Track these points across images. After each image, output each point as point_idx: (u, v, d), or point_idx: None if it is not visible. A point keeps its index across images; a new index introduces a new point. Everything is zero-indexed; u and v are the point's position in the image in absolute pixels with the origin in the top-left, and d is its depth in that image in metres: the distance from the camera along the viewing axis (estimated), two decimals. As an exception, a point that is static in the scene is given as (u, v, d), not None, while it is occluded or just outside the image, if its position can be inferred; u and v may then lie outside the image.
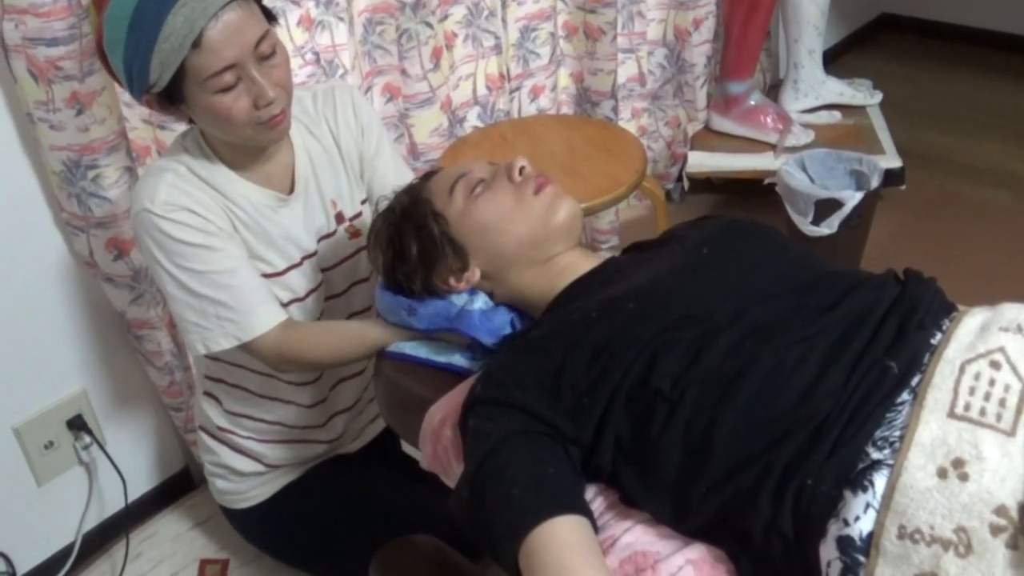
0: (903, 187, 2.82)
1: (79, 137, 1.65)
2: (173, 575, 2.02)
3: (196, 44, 1.29)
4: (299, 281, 1.62)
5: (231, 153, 1.50)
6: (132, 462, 2.08)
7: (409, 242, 1.35)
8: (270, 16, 1.40)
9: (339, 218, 1.65)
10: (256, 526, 1.93)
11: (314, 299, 1.66)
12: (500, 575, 1.10)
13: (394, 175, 1.65)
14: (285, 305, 1.60)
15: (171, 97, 1.36)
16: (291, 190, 1.58)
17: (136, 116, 1.79)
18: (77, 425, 1.95)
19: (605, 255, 1.37)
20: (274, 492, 1.88)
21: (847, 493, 0.92)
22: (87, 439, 1.97)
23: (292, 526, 1.88)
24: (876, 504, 0.90)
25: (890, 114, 3.11)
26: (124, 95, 1.73)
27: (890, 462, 0.92)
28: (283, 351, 1.52)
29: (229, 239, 1.49)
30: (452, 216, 1.33)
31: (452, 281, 1.35)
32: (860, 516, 0.90)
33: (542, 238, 1.30)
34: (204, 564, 2.04)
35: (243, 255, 1.51)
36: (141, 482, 2.14)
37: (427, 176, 1.45)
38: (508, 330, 1.34)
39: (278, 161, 1.56)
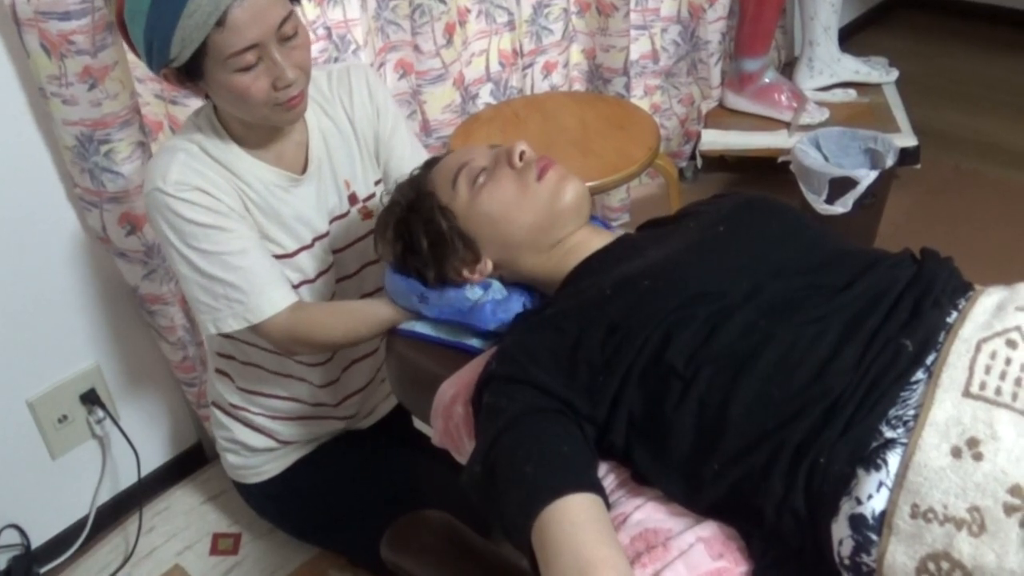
0: (918, 166, 2.80)
1: (92, 112, 1.64)
2: (186, 548, 2.04)
3: (220, 22, 1.28)
4: (310, 262, 1.62)
5: (244, 131, 1.50)
6: (145, 436, 2.09)
7: (419, 236, 1.34)
8: None
9: (352, 199, 1.64)
10: (268, 500, 1.94)
11: (324, 280, 1.66)
12: (511, 551, 1.11)
13: (411, 156, 1.65)
14: (296, 286, 1.60)
15: (190, 73, 1.35)
16: (304, 170, 1.57)
17: (148, 91, 1.78)
18: (90, 399, 1.96)
19: (617, 232, 1.36)
20: (286, 467, 1.89)
21: (860, 471, 0.92)
22: (100, 413, 1.98)
23: (304, 500, 1.89)
24: (889, 483, 0.90)
25: (906, 92, 3.09)
26: (137, 70, 1.73)
27: (904, 441, 0.91)
28: (293, 333, 1.51)
29: (240, 220, 1.49)
30: (459, 210, 1.32)
31: (466, 273, 1.34)
32: (873, 495, 0.90)
33: (550, 223, 1.29)
34: (217, 538, 2.05)
35: (254, 236, 1.51)
36: (154, 456, 2.15)
37: (428, 165, 1.43)
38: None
39: (291, 140, 1.55)
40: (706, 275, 1.12)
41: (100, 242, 1.83)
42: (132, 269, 1.84)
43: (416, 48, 2.17)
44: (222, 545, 2.04)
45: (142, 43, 1.34)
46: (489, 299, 1.36)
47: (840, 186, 2.38)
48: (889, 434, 0.93)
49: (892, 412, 0.94)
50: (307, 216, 1.58)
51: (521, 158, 1.30)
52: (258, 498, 1.95)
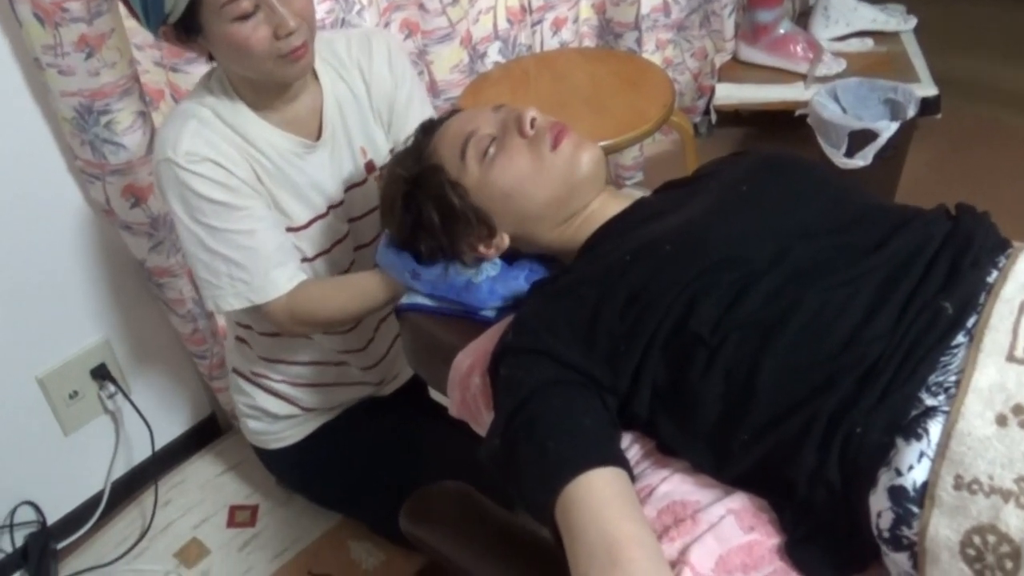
0: (939, 116, 2.73)
1: (90, 82, 1.60)
2: (203, 521, 2.02)
3: None
4: (325, 233, 1.59)
5: (254, 93, 1.45)
6: (158, 410, 2.07)
7: (429, 212, 1.28)
8: None
9: (369, 167, 1.60)
10: (290, 467, 1.94)
11: (341, 250, 1.63)
12: (530, 522, 1.08)
13: None
14: (311, 259, 1.57)
15: (188, 28, 1.31)
16: (318, 136, 1.53)
17: (148, 59, 1.73)
18: (101, 374, 1.94)
19: (635, 195, 1.31)
20: (309, 433, 1.88)
21: (899, 441, 0.88)
22: (111, 388, 1.96)
23: (326, 467, 1.88)
24: (931, 453, 0.85)
25: (924, 40, 3.00)
26: (136, 37, 1.68)
27: (945, 408, 0.87)
28: (294, 313, 1.49)
29: (252, 196, 1.45)
30: (470, 184, 1.25)
31: (481, 248, 1.29)
32: (914, 465, 0.86)
33: (568, 195, 1.23)
34: (234, 510, 2.04)
35: (265, 214, 1.48)
36: (168, 429, 2.13)
37: (427, 130, 1.36)
38: (523, 292, 1.29)
39: (304, 103, 1.51)
40: (729, 238, 1.07)
41: (104, 215, 1.79)
42: (138, 242, 1.80)
43: (421, 7, 2.11)
44: (239, 517, 2.02)
45: (138, 2, 1.29)
46: (484, 276, 1.32)
47: (860, 139, 2.32)
48: (930, 401, 0.88)
49: (932, 378, 0.90)
50: (322, 184, 1.55)
51: (532, 125, 1.24)
52: (279, 464, 1.94)
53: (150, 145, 1.72)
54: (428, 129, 1.36)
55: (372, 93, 1.58)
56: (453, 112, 1.38)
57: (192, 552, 1.96)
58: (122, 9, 1.61)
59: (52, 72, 1.58)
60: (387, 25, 2.10)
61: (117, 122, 1.65)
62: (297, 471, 1.93)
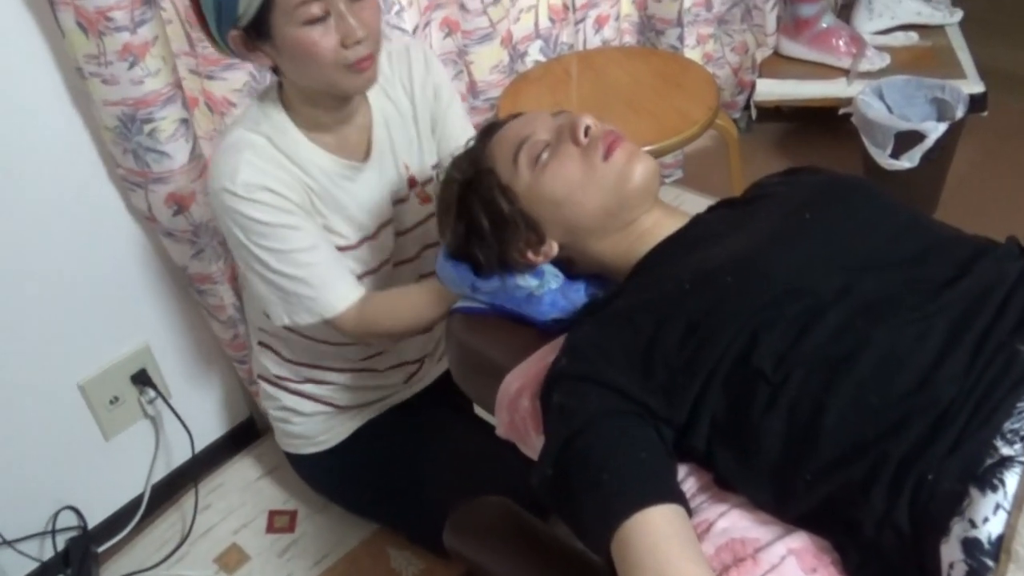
0: (984, 113, 2.67)
1: (133, 90, 1.58)
2: (243, 526, 2.02)
3: None
4: (373, 253, 1.59)
5: (312, 110, 1.46)
6: (197, 414, 2.07)
7: (479, 217, 1.26)
8: None
9: (411, 182, 1.60)
10: (323, 473, 1.93)
11: (387, 268, 1.63)
12: (568, 535, 1.07)
13: (461, 135, 1.58)
14: (359, 277, 1.57)
15: (258, 32, 1.32)
16: (366, 156, 1.53)
17: (183, 67, 1.72)
18: (141, 380, 1.94)
19: (690, 213, 1.28)
20: (342, 439, 1.86)
21: (974, 491, 0.85)
22: (152, 393, 1.96)
23: (360, 474, 1.87)
24: (1007, 505, 0.83)
25: (969, 32, 2.93)
26: (173, 43, 1.66)
27: (1022, 459, 0.84)
28: (364, 324, 1.52)
29: (306, 216, 1.47)
30: (520, 189, 1.23)
31: (530, 255, 1.26)
32: (989, 517, 0.83)
33: (617, 207, 1.20)
34: (273, 515, 2.04)
35: (320, 231, 1.50)
36: (207, 433, 2.13)
37: (487, 133, 1.33)
38: (584, 303, 1.27)
39: (355, 124, 1.51)
40: (793, 270, 1.04)
41: (146, 221, 1.78)
42: (180, 249, 1.80)
43: (462, 6, 2.08)
44: (278, 522, 2.02)
45: (211, 4, 1.30)
46: (546, 289, 1.30)
47: (906, 140, 2.28)
48: (1005, 451, 0.86)
49: (1007, 425, 0.87)
50: (370, 205, 1.56)
51: (586, 134, 1.21)
52: (312, 470, 1.94)
53: (192, 152, 1.70)
54: (488, 131, 1.34)
55: (417, 107, 1.59)
56: (515, 116, 1.35)
57: (232, 558, 1.96)
58: (167, 14, 1.61)
59: (95, 81, 1.57)
60: (427, 24, 2.07)
61: (160, 130, 1.64)
62: (330, 478, 1.93)
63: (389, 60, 1.57)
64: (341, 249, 1.55)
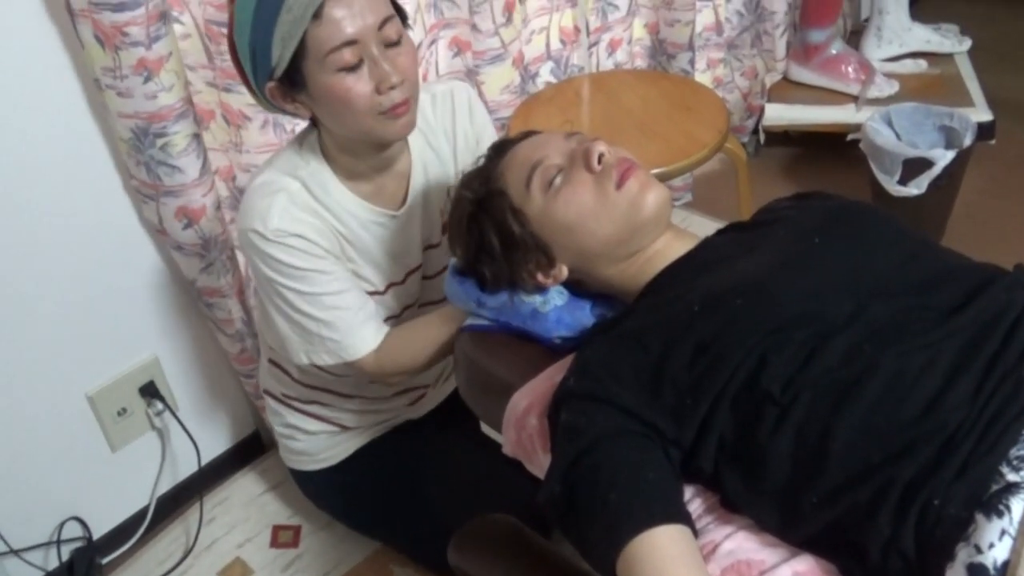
0: (992, 141, 2.68)
1: (147, 104, 1.60)
2: (247, 540, 2.02)
3: (317, 15, 1.25)
4: (399, 298, 1.60)
5: (349, 159, 1.45)
6: (203, 427, 2.08)
7: (490, 237, 1.27)
8: (401, 11, 1.35)
9: (444, 228, 1.59)
10: (327, 490, 1.92)
11: (412, 310, 1.65)
12: (573, 554, 1.07)
13: None
14: (384, 320, 1.58)
15: (293, 82, 1.32)
16: (402, 204, 1.53)
17: (200, 79, 1.74)
18: (149, 392, 1.94)
19: (698, 236, 1.29)
20: (345, 456, 1.86)
21: (979, 517, 0.85)
22: (159, 405, 1.96)
23: (363, 492, 1.87)
24: (1012, 531, 0.83)
25: (978, 61, 2.95)
26: (187, 57, 1.69)
27: (1028, 486, 0.85)
28: (383, 363, 1.52)
29: (336, 261, 1.47)
30: (532, 213, 1.24)
31: (540, 277, 1.27)
32: (995, 543, 0.83)
33: (628, 235, 1.21)
34: (277, 530, 2.04)
35: (350, 276, 1.50)
36: (213, 446, 2.13)
37: (498, 151, 1.33)
38: (589, 323, 1.28)
39: (394, 171, 1.51)
40: (803, 294, 1.05)
41: (157, 234, 1.80)
42: (189, 262, 1.81)
43: (474, 27, 2.10)
44: (282, 538, 2.02)
45: (247, 54, 1.31)
46: (552, 306, 1.30)
47: (914, 167, 2.29)
48: (1011, 477, 0.86)
49: (1013, 452, 0.87)
50: (401, 251, 1.56)
51: (600, 161, 1.21)
52: (316, 487, 1.93)
53: (203, 167, 1.72)
54: (500, 149, 1.34)
55: (458, 154, 1.59)
56: (527, 133, 1.36)
57: (236, 572, 1.96)
58: (186, 27, 1.62)
59: (111, 93, 1.59)
60: (433, 43, 2.09)
61: (173, 144, 1.65)
62: (332, 494, 1.92)
63: (433, 104, 1.56)
64: (368, 295, 1.55)
